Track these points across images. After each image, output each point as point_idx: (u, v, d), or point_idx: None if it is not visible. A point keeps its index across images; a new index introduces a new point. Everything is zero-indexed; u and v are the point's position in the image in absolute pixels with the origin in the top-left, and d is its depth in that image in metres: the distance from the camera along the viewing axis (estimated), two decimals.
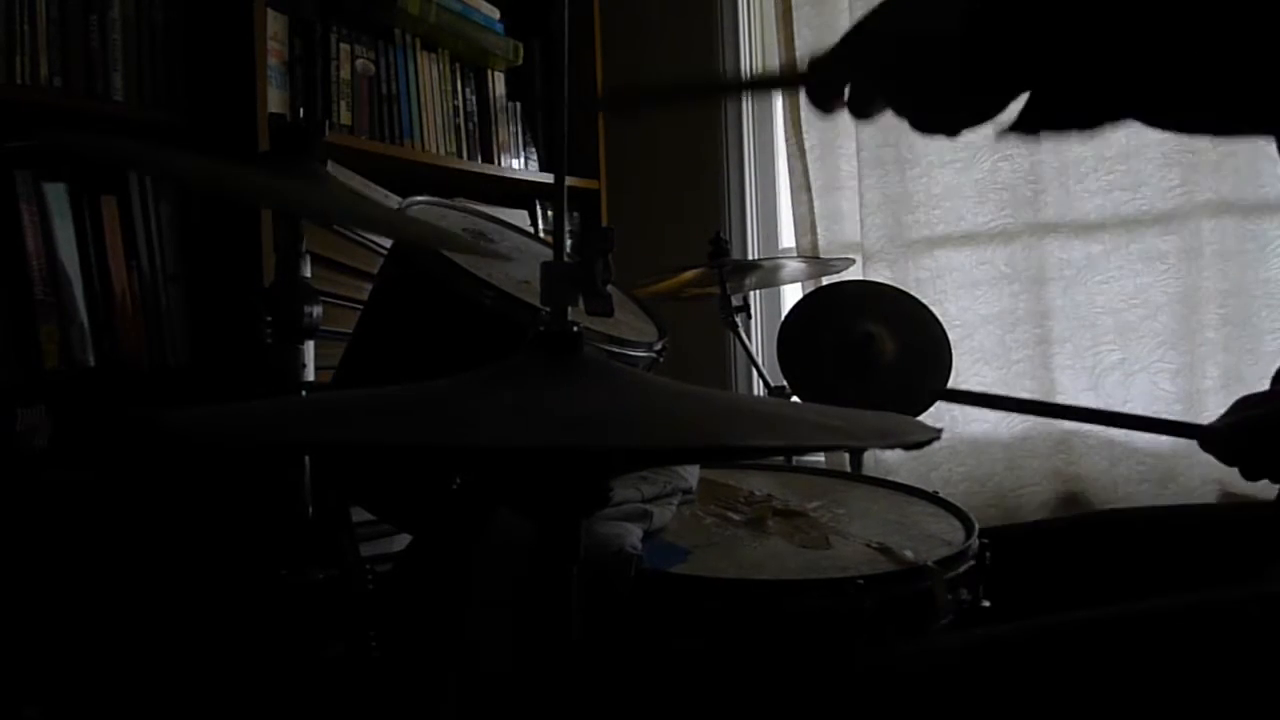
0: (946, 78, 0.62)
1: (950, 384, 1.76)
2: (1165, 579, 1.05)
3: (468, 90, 2.23)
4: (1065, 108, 0.59)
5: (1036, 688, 0.74)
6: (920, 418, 1.57)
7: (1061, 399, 1.88)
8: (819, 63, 0.68)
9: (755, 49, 2.43)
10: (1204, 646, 0.72)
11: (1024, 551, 1.07)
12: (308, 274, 1.05)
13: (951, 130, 0.65)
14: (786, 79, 0.71)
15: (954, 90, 0.62)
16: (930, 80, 0.63)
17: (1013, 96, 0.61)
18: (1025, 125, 0.61)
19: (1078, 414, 1.58)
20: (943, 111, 0.64)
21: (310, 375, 1.06)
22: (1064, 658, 0.74)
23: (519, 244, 1.41)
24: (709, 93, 0.90)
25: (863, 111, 0.67)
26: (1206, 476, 1.73)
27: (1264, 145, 0.61)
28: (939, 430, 0.56)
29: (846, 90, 0.68)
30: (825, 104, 0.69)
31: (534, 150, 2.39)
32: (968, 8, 0.59)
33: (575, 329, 0.62)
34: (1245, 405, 1.10)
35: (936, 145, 1.98)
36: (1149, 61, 0.55)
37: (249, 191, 0.88)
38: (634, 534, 0.93)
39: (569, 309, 0.65)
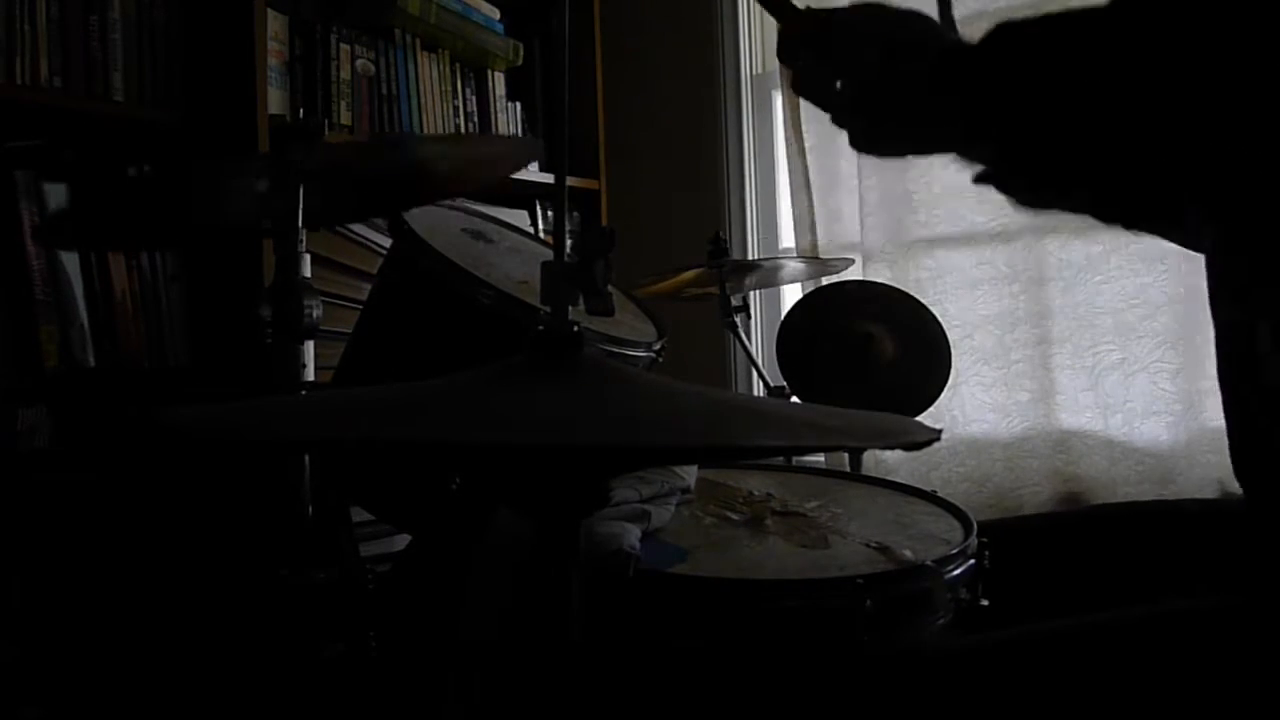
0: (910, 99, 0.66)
1: (950, 384, 1.76)
2: (1163, 573, 1.05)
3: (468, 90, 2.23)
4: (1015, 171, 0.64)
5: (1038, 693, 0.74)
6: (920, 418, 1.57)
7: (1061, 399, 1.88)
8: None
9: (755, 49, 2.43)
10: (1202, 652, 0.72)
11: (1022, 546, 1.08)
12: (308, 274, 1.05)
13: (883, 152, 0.69)
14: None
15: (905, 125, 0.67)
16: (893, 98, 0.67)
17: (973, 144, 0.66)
18: (991, 180, 0.65)
19: None
20: (891, 129, 0.69)
21: (310, 375, 1.06)
22: (1065, 663, 0.74)
23: (519, 244, 1.41)
24: None
25: (808, 93, 0.70)
26: (1206, 476, 1.73)
27: None
28: (939, 430, 0.56)
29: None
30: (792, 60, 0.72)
31: None
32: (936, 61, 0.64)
33: (575, 329, 0.62)
34: None
35: None
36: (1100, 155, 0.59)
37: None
38: (632, 534, 0.93)
39: (569, 309, 0.65)
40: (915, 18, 0.72)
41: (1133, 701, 0.72)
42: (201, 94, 1.70)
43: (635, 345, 1.20)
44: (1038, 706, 0.74)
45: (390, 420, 0.53)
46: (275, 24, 1.77)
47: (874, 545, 1.01)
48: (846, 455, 1.78)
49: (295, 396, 1.02)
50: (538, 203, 2.35)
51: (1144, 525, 1.12)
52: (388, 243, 1.68)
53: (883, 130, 0.70)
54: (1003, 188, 0.69)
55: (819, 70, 0.71)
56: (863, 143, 0.72)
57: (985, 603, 0.97)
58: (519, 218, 2.20)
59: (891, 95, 0.68)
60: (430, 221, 1.24)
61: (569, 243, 0.68)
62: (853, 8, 0.73)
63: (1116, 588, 1.07)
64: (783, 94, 2.22)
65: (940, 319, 1.76)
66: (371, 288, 1.49)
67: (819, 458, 1.96)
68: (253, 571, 1.48)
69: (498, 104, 2.29)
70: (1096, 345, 1.85)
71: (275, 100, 1.74)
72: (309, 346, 1.05)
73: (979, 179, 0.68)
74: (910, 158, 0.70)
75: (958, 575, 0.95)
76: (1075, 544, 1.11)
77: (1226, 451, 1.23)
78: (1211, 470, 1.72)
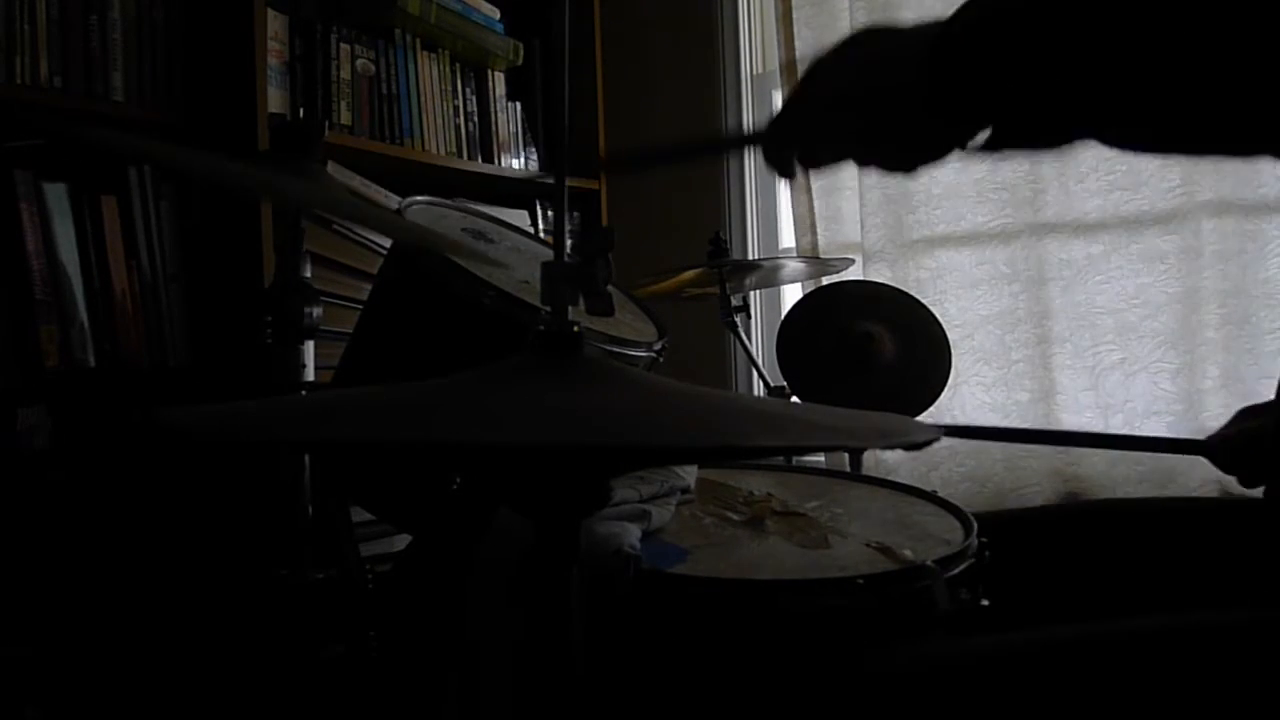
0: (905, 126, 0.63)
1: (950, 384, 1.76)
2: (1161, 572, 1.05)
3: (468, 90, 2.23)
4: (1028, 132, 0.61)
5: (1039, 699, 0.74)
6: (919, 418, 1.57)
7: (1061, 399, 1.88)
8: (775, 128, 0.69)
9: (755, 49, 2.43)
10: (1206, 667, 0.72)
11: (1019, 540, 1.07)
12: (308, 274, 1.06)
13: (911, 169, 0.67)
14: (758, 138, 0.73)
15: (914, 136, 0.64)
16: (889, 131, 0.64)
17: (974, 132, 0.62)
18: (992, 146, 0.62)
19: (1083, 440, 1.59)
20: (903, 155, 0.66)
21: (310, 375, 1.06)
22: (1067, 671, 0.74)
23: (519, 244, 1.41)
24: (707, 151, 0.91)
25: (814, 164, 0.68)
26: (1206, 477, 1.73)
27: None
28: (939, 430, 0.56)
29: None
30: (786, 168, 0.70)
31: (534, 150, 2.39)
32: (925, 56, 0.60)
33: (575, 329, 0.62)
34: (1246, 415, 1.12)
35: None
36: (1104, 85, 0.55)
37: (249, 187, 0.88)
38: (633, 534, 0.93)
39: (569, 309, 0.65)
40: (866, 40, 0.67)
41: (1143, 713, 0.72)
42: (201, 94, 1.70)
43: (635, 345, 1.20)
44: (1043, 715, 0.74)
45: (391, 420, 0.53)
46: (275, 24, 1.77)
47: (874, 545, 1.01)
48: (846, 455, 1.78)
49: (295, 397, 1.02)
50: (538, 203, 2.36)
51: (1142, 522, 1.12)
52: (388, 243, 1.68)
53: (893, 146, 0.67)
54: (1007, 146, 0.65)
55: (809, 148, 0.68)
56: (888, 167, 0.68)
57: (985, 602, 0.97)
58: (519, 218, 2.20)
59: (889, 115, 0.65)
60: (430, 221, 1.24)
61: (569, 243, 0.68)
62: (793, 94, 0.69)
63: (1112, 583, 1.07)
64: (783, 94, 2.22)
65: (940, 319, 1.76)
66: (372, 287, 1.48)
67: (819, 458, 1.96)
68: (253, 571, 1.48)
69: (498, 104, 2.29)
70: (1096, 345, 1.85)
71: (275, 100, 1.74)
72: (309, 346, 1.05)
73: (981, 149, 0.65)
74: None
75: (958, 575, 0.95)
76: (1072, 537, 1.11)
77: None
78: (1211, 471, 1.72)
